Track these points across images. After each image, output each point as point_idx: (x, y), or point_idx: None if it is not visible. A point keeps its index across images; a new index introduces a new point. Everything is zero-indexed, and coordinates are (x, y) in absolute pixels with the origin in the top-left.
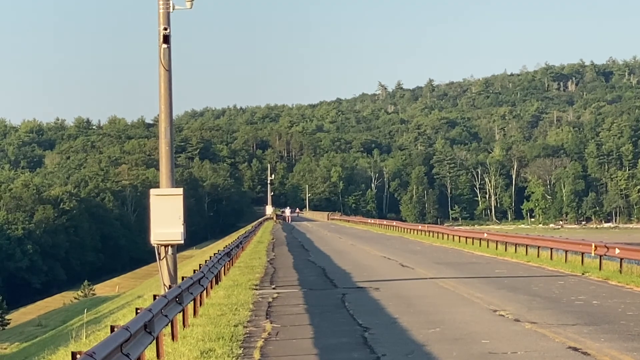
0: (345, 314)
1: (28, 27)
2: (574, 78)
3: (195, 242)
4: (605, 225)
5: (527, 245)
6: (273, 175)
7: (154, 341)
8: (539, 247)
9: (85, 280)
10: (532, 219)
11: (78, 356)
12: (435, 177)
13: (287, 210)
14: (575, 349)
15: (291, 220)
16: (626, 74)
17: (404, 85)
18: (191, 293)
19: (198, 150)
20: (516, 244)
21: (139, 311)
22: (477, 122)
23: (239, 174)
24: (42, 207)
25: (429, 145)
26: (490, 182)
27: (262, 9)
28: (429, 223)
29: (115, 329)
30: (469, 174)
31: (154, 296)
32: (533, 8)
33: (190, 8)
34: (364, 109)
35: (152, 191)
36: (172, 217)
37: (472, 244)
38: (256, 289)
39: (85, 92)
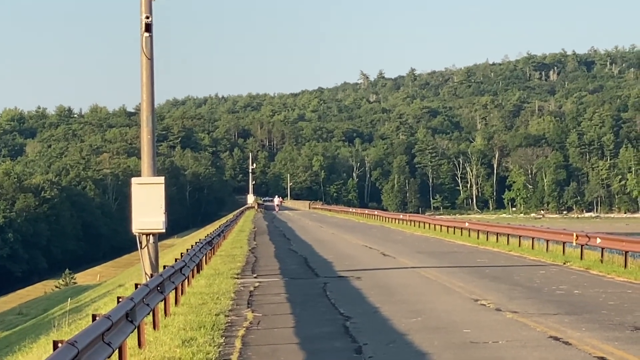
0: (326, 303)
1: (8, 14)
2: (555, 68)
3: (177, 231)
4: (587, 214)
5: (508, 235)
6: (255, 164)
7: (136, 330)
8: (520, 236)
9: (67, 269)
10: (514, 209)
11: (60, 345)
12: (416, 166)
13: (276, 199)
14: (557, 339)
15: (279, 209)
16: (608, 63)
17: (386, 75)
18: (173, 282)
19: (179, 139)
20: (497, 234)
21: (120, 300)
22: (458, 111)
23: (221, 163)
24: (23, 196)
25: (411, 134)
26: (471, 171)
27: None
28: (411, 212)
29: (97, 318)
30: (451, 163)
31: (136, 285)
32: None
33: None
34: (345, 98)
35: (134, 180)
36: (153, 205)
37: (454, 233)
38: (238, 278)
39: (67, 80)
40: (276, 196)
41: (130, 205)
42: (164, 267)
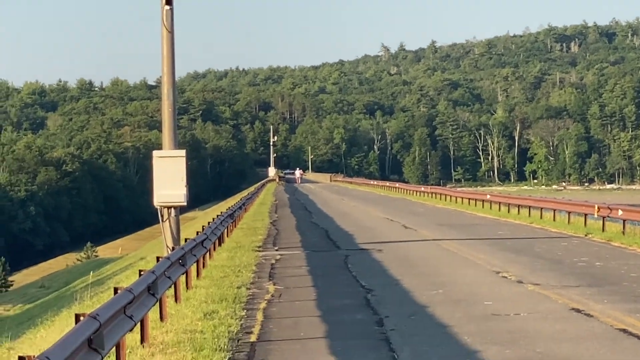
0: (348, 276)
1: None
2: (576, 39)
3: (198, 204)
4: (608, 186)
5: (529, 207)
6: (275, 137)
7: (157, 303)
8: (541, 208)
9: (88, 242)
10: (535, 181)
11: (82, 317)
12: (438, 138)
13: (297, 172)
14: (578, 311)
15: (301, 182)
16: (629, 35)
17: (407, 47)
18: (194, 255)
19: (200, 112)
20: (519, 206)
21: (142, 273)
22: (479, 83)
23: (242, 136)
24: (45, 169)
25: (432, 106)
26: (492, 143)
27: None
28: (432, 185)
29: (119, 291)
30: (472, 135)
31: (157, 258)
32: None
33: None
34: (366, 70)
35: (155, 153)
36: (174, 178)
37: (475, 205)
38: (259, 251)
39: (88, 53)
40: (297, 169)
41: (151, 178)
42: (186, 240)
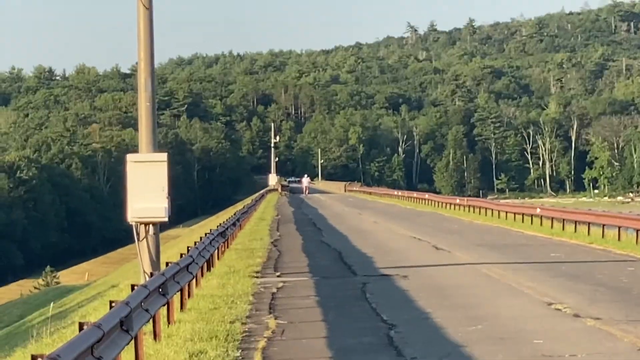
0: (366, 308)
1: None
2: None
3: (183, 219)
4: None
5: (589, 223)
6: (278, 137)
7: (132, 341)
8: (604, 225)
9: (48, 266)
10: (596, 191)
11: (39, 359)
12: (476, 139)
13: (305, 180)
14: None
15: (310, 192)
16: None
17: (439, 27)
18: (177, 282)
19: (186, 106)
20: (576, 222)
21: (113, 305)
22: (528, 71)
23: (236, 136)
24: None
25: (469, 100)
26: (544, 145)
27: None
28: (469, 196)
29: (85, 327)
30: (519, 135)
31: (132, 286)
32: None
33: None
34: (389, 55)
35: (130, 157)
36: (153, 188)
37: (522, 221)
38: (257, 277)
39: (47, 35)
40: (305, 176)
41: (125, 188)
42: (167, 263)
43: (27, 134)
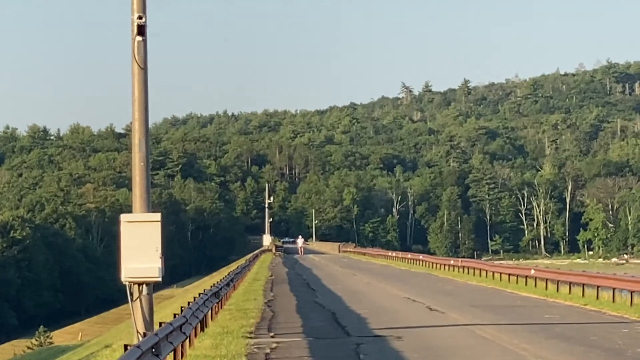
0: None
1: None
2: None
3: (176, 280)
4: None
5: (583, 285)
6: (272, 198)
7: None
8: (598, 286)
9: (41, 326)
10: (590, 252)
11: None
12: (471, 200)
13: (300, 241)
14: None
15: (304, 253)
16: None
17: (433, 88)
18: (171, 342)
19: (180, 166)
20: (570, 283)
21: None
22: (522, 132)
23: (230, 196)
24: None
25: (464, 161)
26: (538, 206)
27: None
28: (464, 257)
29: None
30: (513, 196)
31: (125, 346)
32: None
33: None
34: (383, 116)
35: (123, 217)
36: (147, 248)
37: (517, 282)
38: (251, 338)
39: (42, 95)
40: (299, 237)
41: (119, 248)
42: (160, 324)
43: (21, 194)
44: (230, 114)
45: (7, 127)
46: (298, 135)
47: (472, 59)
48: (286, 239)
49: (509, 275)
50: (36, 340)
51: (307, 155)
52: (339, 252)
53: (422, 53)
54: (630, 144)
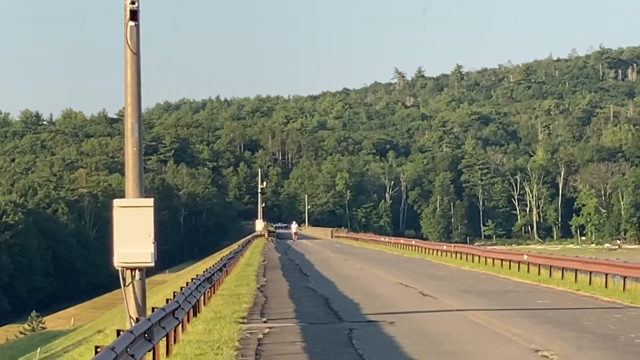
0: (352, 354)
1: None
2: (634, 64)
3: (169, 265)
4: None
5: (576, 270)
6: (264, 183)
7: None
8: (591, 272)
9: (34, 311)
10: (583, 238)
11: None
12: (464, 185)
13: (294, 226)
14: None
15: (298, 238)
16: None
17: (426, 73)
18: (163, 327)
19: (172, 151)
20: (563, 268)
21: (99, 350)
22: (515, 118)
23: (223, 181)
24: None
25: (457, 146)
26: (531, 192)
27: None
28: (456, 242)
29: None
30: (506, 182)
31: (118, 331)
32: None
33: None
34: (376, 101)
35: (116, 202)
36: (140, 233)
37: (509, 268)
38: (243, 323)
39: (35, 80)
40: (293, 222)
41: (111, 233)
42: (153, 309)
43: (14, 179)
44: (222, 99)
45: (0, 112)
46: (291, 121)
47: (465, 44)
48: (279, 224)
49: (502, 260)
50: (29, 325)
51: (299, 140)
52: (332, 237)
53: (415, 38)
54: (623, 129)
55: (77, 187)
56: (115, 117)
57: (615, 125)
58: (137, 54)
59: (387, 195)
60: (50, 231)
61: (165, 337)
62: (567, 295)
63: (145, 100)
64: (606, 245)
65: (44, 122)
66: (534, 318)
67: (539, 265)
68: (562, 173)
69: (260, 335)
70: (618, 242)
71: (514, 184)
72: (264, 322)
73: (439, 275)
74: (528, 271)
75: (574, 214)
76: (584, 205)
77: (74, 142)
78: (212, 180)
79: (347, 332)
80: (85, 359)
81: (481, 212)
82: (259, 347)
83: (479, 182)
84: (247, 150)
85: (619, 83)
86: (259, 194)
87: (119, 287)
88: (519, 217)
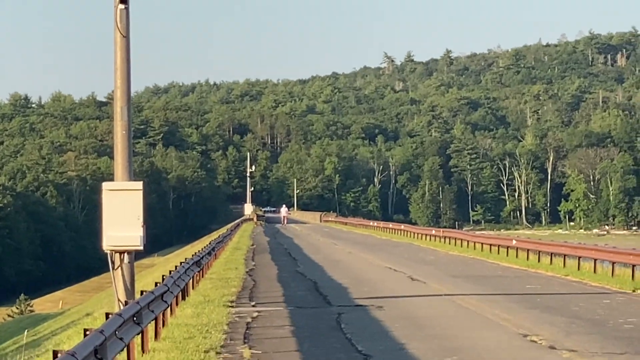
0: (341, 338)
1: None
2: (624, 50)
3: (158, 248)
4: None
5: (565, 255)
6: (254, 167)
7: None
8: (579, 257)
9: (22, 294)
10: (572, 223)
11: None
12: (452, 170)
13: (283, 210)
14: None
15: (287, 222)
16: None
17: (415, 58)
18: (152, 311)
19: (161, 135)
20: (552, 254)
21: (87, 333)
22: (504, 103)
23: (212, 165)
24: None
25: (446, 131)
26: (520, 177)
27: None
28: (445, 227)
29: (59, 355)
30: (495, 167)
31: (107, 314)
32: None
33: None
34: (365, 85)
35: (105, 185)
36: (129, 217)
37: (498, 253)
38: (232, 307)
39: (24, 63)
40: (283, 206)
41: (100, 216)
42: (142, 292)
43: (2, 162)
44: (212, 82)
45: None
46: (280, 105)
47: (454, 29)
48: (267, 208)
49: (490, 245)
50: (17, 308)
51: (288, 124)
52: (321, 221)
53: (404, 23)
54: (611, 114)
55: (66, 170)
56: (104, 100)
57: (604, 111)
58: (126, 37)
59: (375, 179)
60: (39, 214)
61: (154, 321)
62: (555, 280)
63: (134, 84)
64: (595, 230)
65: (33, 105)
66: (523, 303)
67: (528, 250)
68: (551, 158)
69: (249, 319)
70: (607, 227)
71: (502, 169)
72: (253, 306)
73: (428, 259)
74: (517, 256)
75: (562, 200)
76: (572, 190)
77: (62, 125)
78: (201, 164)
79: (335, 316)
80: (73, 342)
81: (470, 197)
82: (247, 331)
83: (468, 167)
84: (236, 134)
85: (608, 68)
86: (248, 178)
87: (108, 270)
88: (507, 202)
